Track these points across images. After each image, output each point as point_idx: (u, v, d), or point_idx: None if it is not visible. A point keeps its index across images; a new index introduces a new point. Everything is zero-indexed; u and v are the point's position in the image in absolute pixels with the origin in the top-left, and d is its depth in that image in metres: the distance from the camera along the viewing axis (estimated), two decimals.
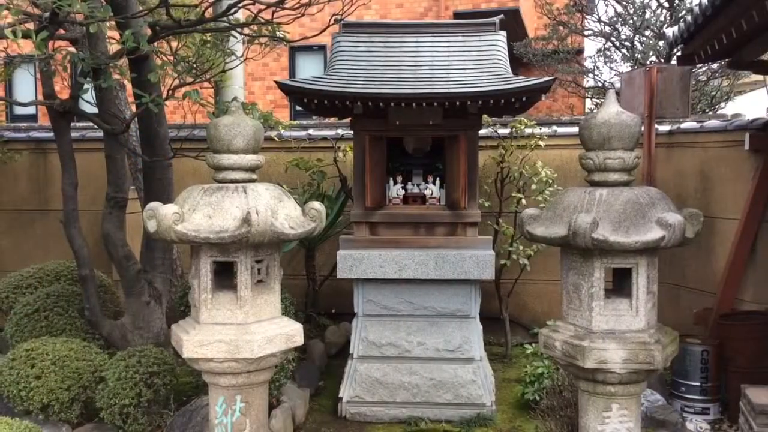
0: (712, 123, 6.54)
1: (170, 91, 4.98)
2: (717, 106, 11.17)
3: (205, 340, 3.45)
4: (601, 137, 3.34)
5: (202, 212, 3.43)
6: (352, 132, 5.66)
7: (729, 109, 11.07)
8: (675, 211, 3.27)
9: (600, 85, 11.36)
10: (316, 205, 3.73)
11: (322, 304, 7.22)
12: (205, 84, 7.29)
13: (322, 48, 13.42)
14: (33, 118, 13.11)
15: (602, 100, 3.37)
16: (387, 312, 5.48)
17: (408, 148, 5.86)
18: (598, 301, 3.29)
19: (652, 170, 6.79)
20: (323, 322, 7.11)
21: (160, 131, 5.37)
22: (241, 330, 3.50)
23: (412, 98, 5.04)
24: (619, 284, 3.41)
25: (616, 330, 3.29)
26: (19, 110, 13.13)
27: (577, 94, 12.11)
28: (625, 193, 3.27)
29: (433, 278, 5.31)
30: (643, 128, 6.92)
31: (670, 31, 5.26)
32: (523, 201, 6.36)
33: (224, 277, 3.64)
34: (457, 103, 5.05)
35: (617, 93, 9.33)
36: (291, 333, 3.64)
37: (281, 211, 3.59)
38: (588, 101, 13.30)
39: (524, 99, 4.99)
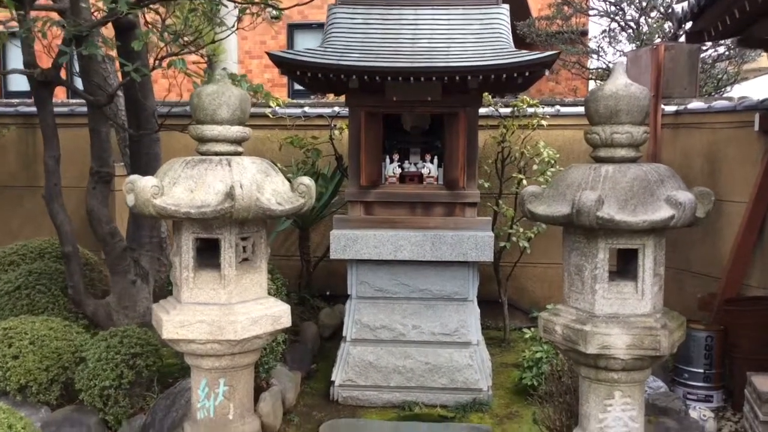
0: (721, 103, 6.32)
1: (156, 61, 4.77)
2: (723, 90, 10.92)
3: (186, 320, 3.27)
4: (609, 110, 3.14)
5: (183, 186, 3.23)
6: (347, 109, 5.45)
7: (735, 92, 10.83)
8: (685, 189, 3.08)
9: (604, 66, 11.12)
10: (305, 180, 3.54)
11: (316, 286, 7.05)
12: (200, 60, 7.10)
13: (321, 26, 13.07)
14: (27, 94, 12.86)
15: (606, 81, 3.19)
16: (381, 294, 5.30)
17: (405, 125, 5.65)
18: (601, 284, 3.11)
19: (657, 151, 6.60)
20: (317, 304, 6.94)
21: (146, 104, 5.17)
22: (224, 310, 3.32)
23: (410, 72, 4.82)
24: (624, 266, 3.23)
25: (620, 314, 3.11)
26: (13, 86, 12.89)
27: (581, 76, 11.86)
28: (633, 169, 3.08)
29: (430, 260, 5.13)
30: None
31: (680, 7, 5.02)
32: (525, 182, 6.17)
33: (208, 255, 3.46)
34: (457, 78, 4.83)
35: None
36: (278, 314, 3.46)
37: (268, 186, 3.40)
38: (592, 83, 13.05)
39: (527, 74, 4.77)
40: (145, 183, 3.16)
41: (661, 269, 3.16)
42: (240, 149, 3.54)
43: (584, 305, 3.18)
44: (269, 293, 3.75)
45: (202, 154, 3.46)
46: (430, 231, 5.16)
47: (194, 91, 3.47)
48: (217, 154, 3.44)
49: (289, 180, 3.61)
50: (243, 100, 3.48)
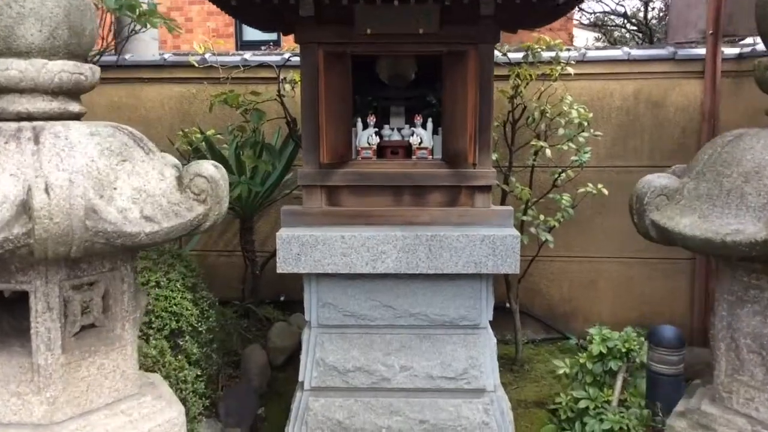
0: None
1: None
2: None
3: None
4: None
5: None
6: (300, 51, 3.67)
7: None
8: None
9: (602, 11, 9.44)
10: (207, 168, 1.82)
11: (265, 290, 5.35)
12: None
13: None
14: None
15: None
16: (355, 321, 3.62)
17: (382, 73, 3.92)
18: None
19: (715, 108, 4.98)
20: (267, 314, 5.24)
21: None
22: None
23: None
24: None
25: None
26: None
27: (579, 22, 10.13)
28: None
29: (426, 272, 3.45)
30: (703, 50, 5.06)
31: None
32: (548, 151, 4.49)
33: (13, 320, 1.73)
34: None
35: (666, 4, 7.34)
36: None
37: (124, 184, 1.67)
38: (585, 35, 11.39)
39: None
40: None
41: None
42: (72, 107, 1.78)
43: None
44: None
45: None
46: (424, 228, 3.48)
47: None
48: (18, 117, 1.68)
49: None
50: (75, 8, 1.72)
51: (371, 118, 3.74)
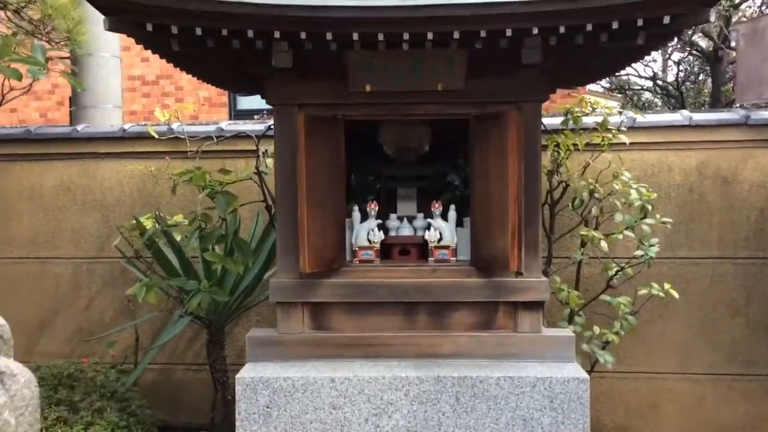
0: None
1: None
2: None
3: None
4: None
5: None
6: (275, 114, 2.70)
7: None
8: None
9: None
10: None
11: None
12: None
13: None
14: None
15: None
16: None
17: (387, 145, 2.94)
18: None
19: None
20: None
21: None
22: None
23: (402, 22, 2.11)
24: None
25: None
26: None
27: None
28: None
29: None
30: None
31: None
32: (603, 244, 3.45)
33: None
34: (508, 35, 2.14)
35: (726, 57, 6.43)
36: None
37: None
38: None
39: (666, 19, 2.08)
40: None
41: None
42: None
43: None
44: None
45: None
46: (447, 364, 2.44)
47: None
48: None
49: None
50: None
51: (372, 206, 2.75)
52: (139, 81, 9.97)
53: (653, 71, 8.18)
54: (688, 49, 7.30)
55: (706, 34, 7.19)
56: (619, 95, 8.78)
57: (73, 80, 2.71)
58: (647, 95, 9.33)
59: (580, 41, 2.18)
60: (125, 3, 2.01)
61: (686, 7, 2.01)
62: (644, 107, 8.51)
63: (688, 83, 8.25)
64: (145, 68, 10.02)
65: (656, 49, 2.72)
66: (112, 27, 2.12)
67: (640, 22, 2.03)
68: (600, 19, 2.02)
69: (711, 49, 6.74)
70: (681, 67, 8.03)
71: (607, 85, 8.89)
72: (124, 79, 9.14)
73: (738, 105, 4.62)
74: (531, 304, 2.53)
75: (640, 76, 8.44)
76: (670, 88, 8.29)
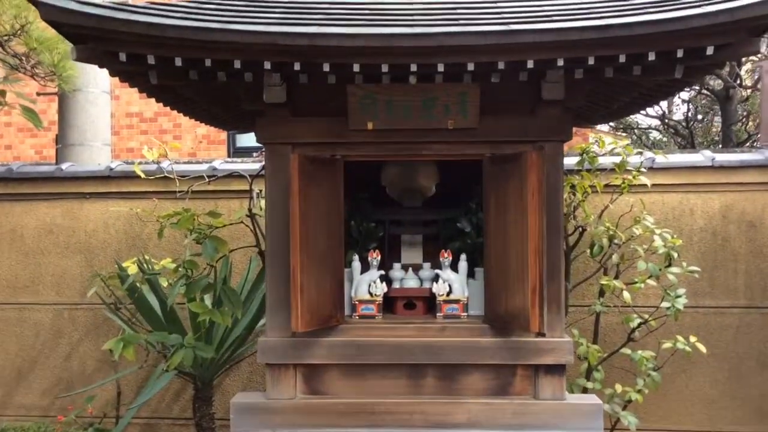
0: None
1: None
2: None
3: None
4: None
5: None
6: (263, 151, 2.45)
7: None
8: None
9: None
10: None
11: None
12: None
13: None
14: None
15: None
16: None
17: (391, 188, 2.69)
18: None
19: None
20: None
21: None
22: None
23: (411, 52, 1.87)
24: None
25: None
26: None
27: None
28: None
29: None
30: None
31: None
32: (626, 294, 3.17)
33: None
34: (525, 72, 1.89)
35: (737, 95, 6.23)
36: None
37: None
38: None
39: (710, 50, 1.83)
40: None
41: None
42: None
43: None
44: None
45: None
46: None
47: None
48: None
49: None
50: None
51: (374, 255, 2.48)
52: (137, 118, 9.76)
53: (662, 110, 7.99)
54: (697, 87, 7.14)
55: (716, 73, 7.04)
56: (624, 134, 8.58)
57: (31, 117, 2.46)
58: (655, 134, 9.13)
59: (609, 74, 1.93)
60: (95, 30, 1.77)
61: (733, 36, 1.77)
62: (653, 147, 8.29)
63: (695, 122, 8.07)
64: (144, 105, 9.83)
65: (692, 85, 2.48)
66: (81, 57, 1.88)
67: (680, 53, 1.79)
68: (635, 49, 1.78)
69: (721, 87, 6.58)
70: (690, 106, 7.84)
71: (613, 124, 8.69)
72: (122, 116, 8.96)
73: (761, 145, 4.38)
74: (553, 367, 2.24)
75: (647, 115, 8.25)
76: (679, 127, 8.09)
